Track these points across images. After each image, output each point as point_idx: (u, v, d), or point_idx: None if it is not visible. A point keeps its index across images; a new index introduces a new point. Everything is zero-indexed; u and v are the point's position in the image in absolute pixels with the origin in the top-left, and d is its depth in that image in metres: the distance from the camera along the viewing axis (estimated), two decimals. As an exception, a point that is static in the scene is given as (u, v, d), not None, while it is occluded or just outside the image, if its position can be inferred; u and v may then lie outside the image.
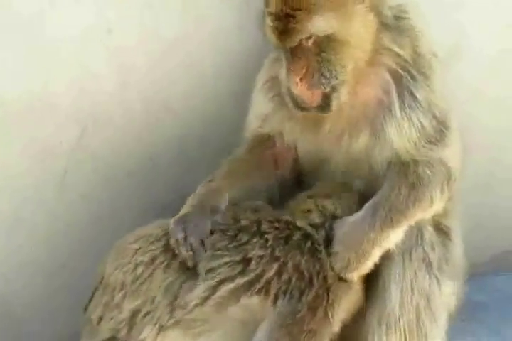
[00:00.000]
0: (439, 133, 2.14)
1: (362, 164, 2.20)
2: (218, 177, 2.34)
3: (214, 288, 2.12)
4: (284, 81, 2.11)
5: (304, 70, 2.05)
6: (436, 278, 2.18)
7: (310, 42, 1.99)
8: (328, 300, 2.11)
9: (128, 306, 2.21)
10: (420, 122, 2.11)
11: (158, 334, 2.19)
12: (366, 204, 2.16)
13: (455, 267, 2.31)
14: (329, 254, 2.12)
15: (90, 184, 2.67)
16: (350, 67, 2.07)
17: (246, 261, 2.11)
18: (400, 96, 2.09)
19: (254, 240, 2.12)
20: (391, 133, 2.10)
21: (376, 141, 2.15)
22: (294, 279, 2.13)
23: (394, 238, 2.11)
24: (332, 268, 2.13)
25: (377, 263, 2.15)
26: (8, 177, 2.54)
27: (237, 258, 2.13)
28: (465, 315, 2.50)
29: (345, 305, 2.16)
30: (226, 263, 2.14)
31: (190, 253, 2.09)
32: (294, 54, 2.04)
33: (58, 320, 2.73)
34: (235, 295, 2.15)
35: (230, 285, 2.15)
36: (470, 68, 2.91)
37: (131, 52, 2.72)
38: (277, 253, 2.13)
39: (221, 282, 2.14)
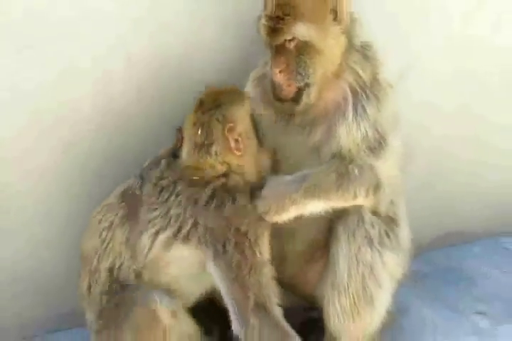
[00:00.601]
0: (378, 144, 2.41)
1: (312, 154, 2.45)
2: None
3: (155, 235, 2.36)
4: (269, 73, 2.40)
5: (284, 65, 2.35)
6: (378, 251, 2.43)
7: (292, 45, 2.31)
8: (250, 242, 2.33)
9: (103, 266, 2.42)
10: (366, 130, 2.38)
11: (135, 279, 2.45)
12: (298, 173, 2.41)
13: (400, 245, 2.58)
14: (243, 206, 2.34)
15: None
16: (320, 73, 2.37)
17: (169, 216, 2.36)
18: (354, 106, 2.37)
19: (172, 199, 2.35)
20: (341, 132, 2.37)
21: (328, 136, 2.42)
22: (207, 235, 2.35)
23: (310, 207, 2.36)
24: (250, 212, 2.36)
25: (329, 242, 2.48)
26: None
27: (164, 212, 2.36)
28: (413, 282, 2.83)
29: (267, 239, 2.40)
30: (158, 216, 2.36)
31: None
32: (278, 51, 2.34)
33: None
34: (169, 242, 2.37)
35: (165, 234, 2.38)
36: (420, 86, 3.19)
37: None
38: (189, 212, 2.35)
39: (157, 232, 2.37)
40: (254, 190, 2.45)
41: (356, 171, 2.39)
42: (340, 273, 2.48)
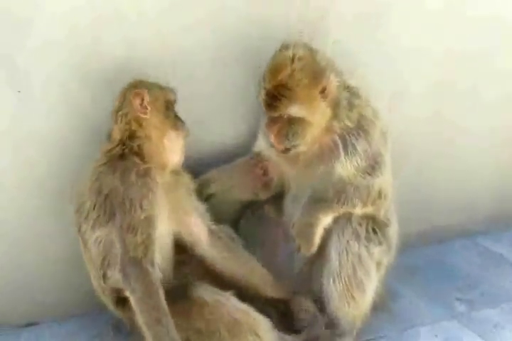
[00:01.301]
0: (372, 167, 2.70)
1: (315, 183, 2.75)
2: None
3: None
4: (266, 130, 2.70)
5: (276, 131, 2.62)
6: (364, 244, 2.70)
7: (285, 117, 2.57)
8: (131, 203, 2.44)
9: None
10: (358, 163, 2.66)
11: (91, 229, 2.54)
12: (309, 200, 2.75)
13: (387, 239, 2.85)
14: (129, 171, 2.47)
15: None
16: (308, 137, 2.64)
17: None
18: (345, 148, 2.64)
19: None
20: (337, 169, 2.67)
21: (327, 171, 2.71)
22: (107, 202, 2.48)
23: (325, 223, 2.70)
24: None
25: (325, 240, 2.74)
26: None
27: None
28: (406, 274, 3.22)
29: (151, 199, 2.50)
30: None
31: None
32: (272, 120, 2.61)
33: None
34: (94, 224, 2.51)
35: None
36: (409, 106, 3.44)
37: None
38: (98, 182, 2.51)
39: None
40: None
41: (352, 190, 2.69)
42: (332, 262, 2.73)
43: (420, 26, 3.33)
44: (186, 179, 2.77)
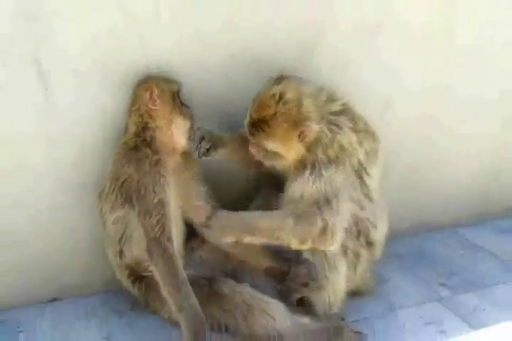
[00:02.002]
0: (327, 201, 2.66)
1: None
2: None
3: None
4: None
5: (254, 150, 2.75)
6: (351, 251, 2.81)
7: (262, 146, 2.69)
8: (146, 190, 2.62)
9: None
10: (317, 188, 2.64)
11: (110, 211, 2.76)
12: (248, 212, 2.86)
13: (373, 241, 2.91)
14: (145, 158, 2.66)
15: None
16: (281, 162, 2.75)
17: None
18: (312, 173, 2.64)
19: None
20: (298, 184, 2.69)
21: (289, 185, 2.75)
22: (123, 188, 2.66)
23: (247, 239, 2.71)
24: None
25: None
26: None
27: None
28: (388, 261, 3.21)
29: (165, 185, 2.69)
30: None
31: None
32: (253, 143, 2.72)
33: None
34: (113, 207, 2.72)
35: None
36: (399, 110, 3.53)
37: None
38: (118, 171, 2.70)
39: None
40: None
41: (292, 222, 2.66)
42: (308, 255, 2.84)
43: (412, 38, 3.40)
44: (193, 162, 2.92)
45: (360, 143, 2.71)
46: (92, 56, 2.75)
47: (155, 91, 2.68)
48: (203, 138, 2.85)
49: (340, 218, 2.68)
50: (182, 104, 2.80)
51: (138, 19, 2.75)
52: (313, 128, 2.57)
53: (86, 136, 2.87)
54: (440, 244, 3.80)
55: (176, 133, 2.78)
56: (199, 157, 2.84)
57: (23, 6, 2.56)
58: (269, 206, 2.92)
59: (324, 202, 2.65)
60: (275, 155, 2.71)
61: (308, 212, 2.66)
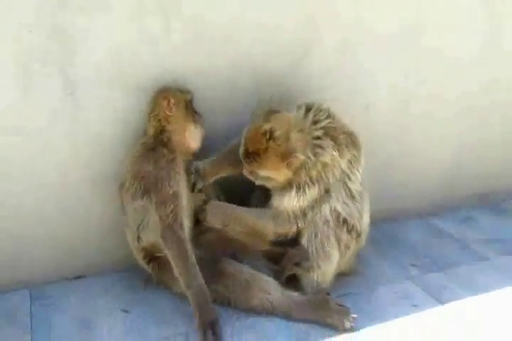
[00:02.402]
0: (302, 215, 2.93)
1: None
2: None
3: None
4: None
5: (248, 171, 2.91)
6: (334, 231, 2.96)
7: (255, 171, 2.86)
8: (162, 183, 2.76)
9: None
10: (300, 204, 2.89)
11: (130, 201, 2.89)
12: (239, 206, 3.01)
13: (357, 231, 3.04)
14: (162, 156, 2.80)
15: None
16: (271, 182, 2.91)
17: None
18: (297, 192, 2.86)
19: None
20: (284, 200, 2.91)
21: (276, 198, 2.96)
22: (143, 182, 2.80)
23: (231, 227, 2.96)
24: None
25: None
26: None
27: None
28: (367, 245, 3.27)
29: (178, 179, 2.82)
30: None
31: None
32: (247, 168, 2.89)
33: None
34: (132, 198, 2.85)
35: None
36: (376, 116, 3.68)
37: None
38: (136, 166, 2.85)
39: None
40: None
41: (272, 224, 2.96)
42: (304, 240, 3.00)
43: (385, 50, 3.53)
44: None
45: (341, 155, 2.89)
46: (112, 66, 2.90)
47: (171, 100, 2.85)
48: (195, 173, 3.02)
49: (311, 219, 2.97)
50: (194, 111, 2.98)
51: (152, 35, 2.91)
52: (299, 157, 2.76)
53: (104, 133, 3.02)
54: (411, 230, 3.90)
55: (188, 137, 2.94)
56: (192, 192, 3.02)
57: (56, 21, 2.72)
58: (260, 205, 3.12)
59: (301, 215, 2.94)
60: (266, 178, 2.90)
61: (287, 221, 2.95)
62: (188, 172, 2.98)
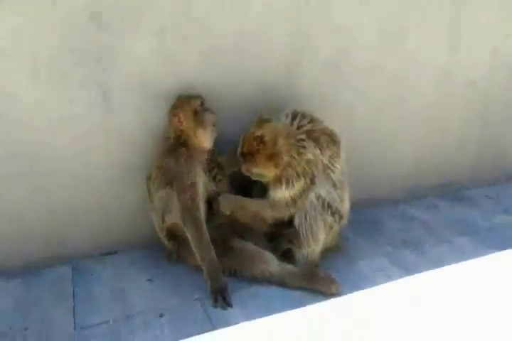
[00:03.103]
0: (292, 203, 3.08)
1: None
2: None
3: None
4: None
5: (245, 170, 3.07)
6: (320, 213, 3.08)
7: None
8: (182, 176, 2.91)
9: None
10: (290, 195, 3.05)
11: (156, 190, 3.08)
12: (244, 197, 3.18)
13: (340, 211, 3.17)
14: (182, 155, 2.94)
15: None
16: (264, 178, 3.08)
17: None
18: (287, 186, 3.02)
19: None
20: (277, 193, 3.07)
21: (271, 191, 3.11)
22: (167, 174, 2.96)
23: (238, 213, 3.11)
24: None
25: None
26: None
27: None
28: (348, 226, 3.40)
29: (196, 173, 2.98)
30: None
31: None
32: (244, 166, 3.07)
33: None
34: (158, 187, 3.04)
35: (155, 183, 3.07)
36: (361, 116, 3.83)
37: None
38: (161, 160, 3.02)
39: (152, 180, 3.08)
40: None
41: (270, 211, 3.11)
42: (296, 223, 3.14)
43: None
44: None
45: (323, 153, 3.07)
46: (140, 79, 3.07)
47: (181, 116, 2.99)
48: (217, 166, 3.20)
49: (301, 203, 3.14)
50: (206, 110, 3.05)
51: (173, 55, 3.09)
52: (285, 159, 2.96)
53: (133, 132, 3.18)
54: (386, 215, 4.00)
55: (200, 139, 3.04)
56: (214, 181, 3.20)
57: (94, 42, 2.90)
58: (262, 195, 3.25)
59: (292, 203, 3.11)
60: (259, 174, 3.10)
61: (282, 208, 3.13)
62: (209, 166, 3.14)
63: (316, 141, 3.06)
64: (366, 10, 3.54)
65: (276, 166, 2.99)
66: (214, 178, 3.19)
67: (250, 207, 3.17)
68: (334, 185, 3.15)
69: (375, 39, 3.67)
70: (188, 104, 3.02)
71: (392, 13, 3.63)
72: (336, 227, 3.27)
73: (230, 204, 3.15)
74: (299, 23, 3.35)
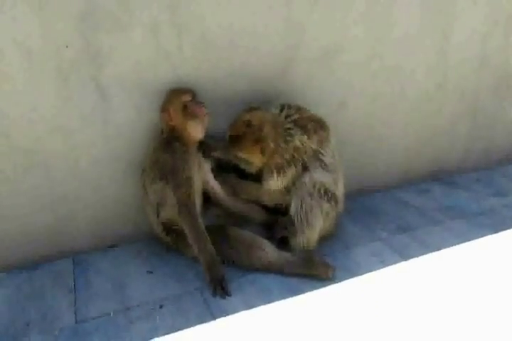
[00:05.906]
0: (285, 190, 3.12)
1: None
2: None
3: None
4: None
5: (232, 153, 3.05)
6: (316, 200, 3.04)
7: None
8: (175, 169, 2.83)
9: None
10: (284, 183, 3.06)
11: (150, 184, 3.01)
12: (245, 181, 3.20)
13: (335, 198, 3.15)
14: (177, 148, 2.86)
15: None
16: (250, 167, 3.11)
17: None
18: (278, 176, 3.03)
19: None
20: (270, 182, 3.08)
21: (264, 180, 3.11)
22: (161, 168, 2.89)
23: (240, 195, 3.19)
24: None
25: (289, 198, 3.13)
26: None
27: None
28: (344, 212, 3.38)
29: (189, 167, 2.88)
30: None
31: None
32: (231, 151, 3.06)
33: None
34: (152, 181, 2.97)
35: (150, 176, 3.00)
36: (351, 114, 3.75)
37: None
38: (156, 154, 2.94)
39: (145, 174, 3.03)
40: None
41: (266, 195, 3.17)
42: (293, 210, 3.11)
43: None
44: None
45: (310, 138, 3.05)
46: (135, 74, 2.98)
47: (170, 111, 2.91)
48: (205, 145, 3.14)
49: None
50: (196, 103, 2.93)
51: (167, 50, 2.99)
52: (270, 145, 2.97)
53: (130, 129, 3.10)
54: (380, 201, 3.98)
55: (191, 132, 2.95)
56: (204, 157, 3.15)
57: (89, 40, 2.79)
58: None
59: (286, 191, 3.13)
60: (245, 161, 3.09)
61: (277, 195, 3.15)
62: (199, 148, 3.09)
63: (304, 128, 3.06)
64: (357, 6, 3.47)
65: (261, 152, 2.99)
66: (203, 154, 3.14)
67: (250, 190, 3.19)
68: (327, 168, 3.11)
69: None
70: (178, 99, 2.94)
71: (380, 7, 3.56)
72: (333, 214, 3.22)
73: (233, 183, 3.21)
74: (292, 18, 3.26)
